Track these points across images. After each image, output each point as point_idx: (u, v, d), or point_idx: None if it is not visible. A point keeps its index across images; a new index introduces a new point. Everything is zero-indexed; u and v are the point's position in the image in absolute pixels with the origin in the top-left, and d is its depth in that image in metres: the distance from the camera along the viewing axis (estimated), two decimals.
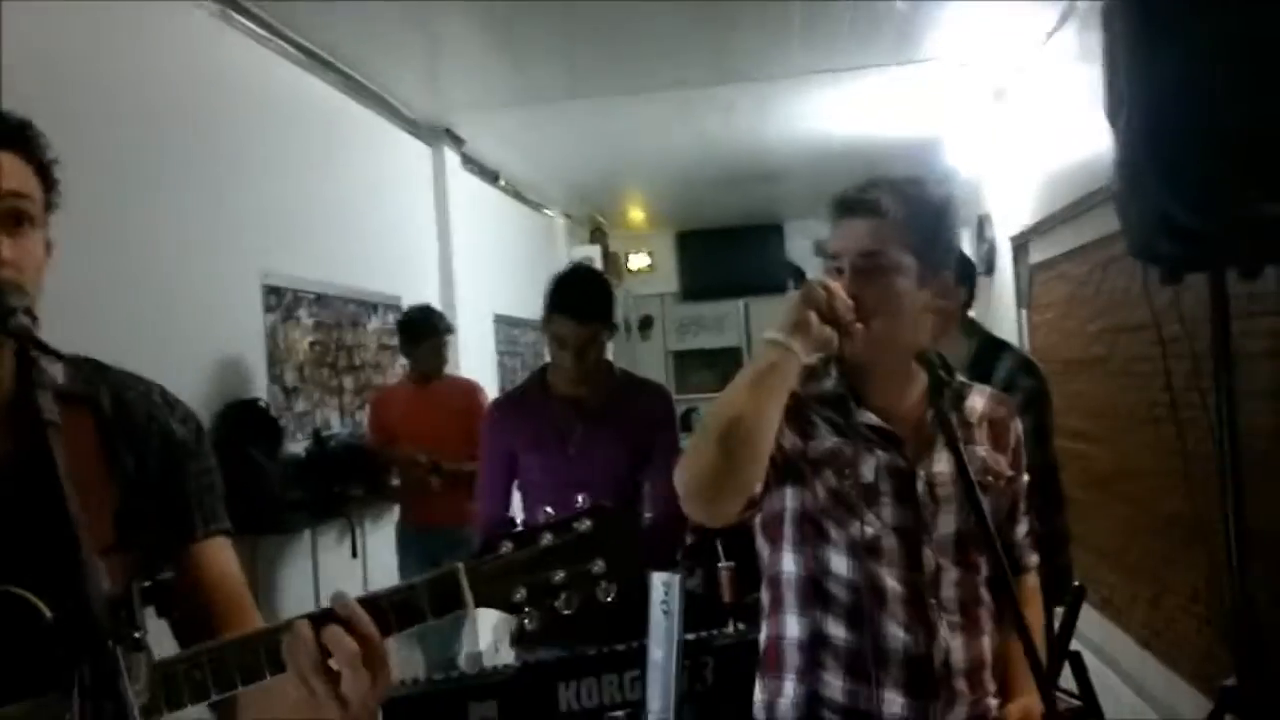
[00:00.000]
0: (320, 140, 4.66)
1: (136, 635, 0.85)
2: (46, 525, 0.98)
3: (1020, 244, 5.93)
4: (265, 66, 4.17)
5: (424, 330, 4.46)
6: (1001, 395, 1.79)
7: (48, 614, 1.00)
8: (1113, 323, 4.51)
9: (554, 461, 2.84)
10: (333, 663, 0.98)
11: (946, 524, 1.60)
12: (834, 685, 1.58)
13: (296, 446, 4.11)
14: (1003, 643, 1.64)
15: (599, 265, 8.81)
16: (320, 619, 1.00)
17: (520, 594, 1.04)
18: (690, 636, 2.40)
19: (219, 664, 0.99)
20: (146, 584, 0.89)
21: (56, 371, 1.13)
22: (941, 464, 1.61)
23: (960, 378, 1.74)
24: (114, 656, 0.83)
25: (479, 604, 1.03)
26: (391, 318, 5.20)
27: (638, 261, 10.71)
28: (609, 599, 1.04)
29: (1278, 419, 2.86)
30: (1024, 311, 5.93)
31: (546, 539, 1.06)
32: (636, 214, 9.88)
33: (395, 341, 5.20)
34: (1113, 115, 2.26)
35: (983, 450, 1.67)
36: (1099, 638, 4.39)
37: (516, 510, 3.07)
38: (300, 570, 4.08)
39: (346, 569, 4.34)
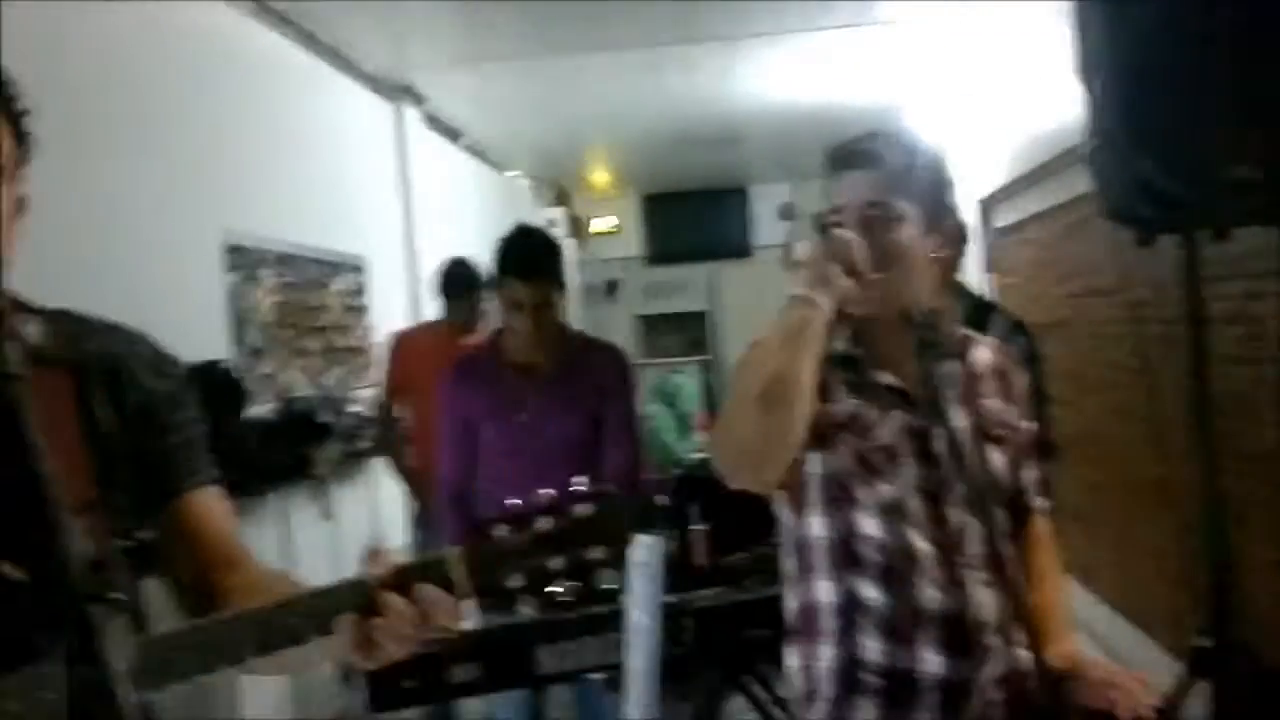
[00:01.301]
0: (279, 97, 4.56)
1: (117, 596, 0.82)
2: (18, 486, 0.94)
3: (985, 208, 5.95)
4: (223, 20, 4.07)
5: (470, 281, 4.30)
6: (1004, 345, 1.78)
7: (18, 575, 0.96)
8: (1080, 287, 4.55)
9: (507, 430, 2.79)
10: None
11: (970, 478, 1.57)
12: (871, 647, 1.57)
13: (263, 409, 4.05)
14: (1029, 593, 1.61)
15: (563, 228, 8.74)
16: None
17: (516, 581, 0.99)
18: (668, 599, 2.41)
19: (265, 625, 0.97)
20: (127, 543, 0.86)
21: (32, 330, 1.08)
22: (958, 420, 1.60)
23: (964, 330, 1.72)
24: (91, 618, 0.80)
25: (474, 592, 0.99)
26: (355, 279, 5.13)
27: (603, 225, 10.64)
28: (612, 587, 0.99)
29: (1244, 383, 2.90)
30: (990, 276, 5.97)
31: (543, 523, 1.00)
32: (601, 177, 9.82)
33: (360, 302, 5.15)
34: (1085, 76, 2.26)
35: (993, 402, 1.66)
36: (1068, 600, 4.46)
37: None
38: (272, 534, 4.04)
39: (318, 531, 4.30)
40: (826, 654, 1.60)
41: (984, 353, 1.70)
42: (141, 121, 3.39)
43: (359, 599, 0.98)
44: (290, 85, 4.69)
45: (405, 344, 4.43)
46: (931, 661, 1.54)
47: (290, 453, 4.06)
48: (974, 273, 6.03)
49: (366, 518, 4.89)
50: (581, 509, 1.01)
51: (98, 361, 1.14)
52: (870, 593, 1.57)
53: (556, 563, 0.99)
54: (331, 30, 4.88)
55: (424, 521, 4.32)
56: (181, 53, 3.71)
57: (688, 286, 10.93)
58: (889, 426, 1.58)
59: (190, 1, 3.79)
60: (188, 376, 1.24)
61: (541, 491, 1.01)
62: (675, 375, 8.87)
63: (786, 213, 10.19)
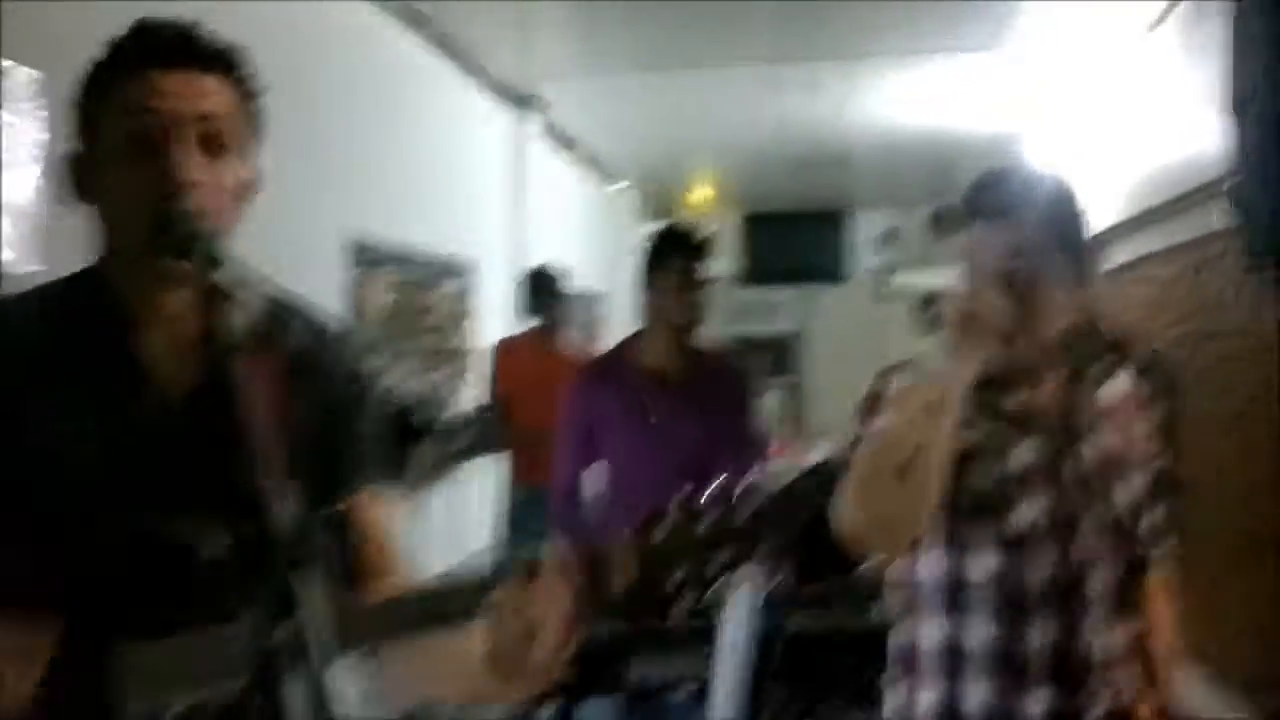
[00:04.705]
0: (407, 98, 4.67)
1: (316, 561, 0.85)
2: (231, 456, 0.97)
3: (1102, 244, 5.80)
4: (359, 21, 4.17)
5: (553, 290, 4.51)
6: (1144, 375, 1.71)
7: (203, 553, 1.01)
8: (1197, 328, 4.40)
9: (637, 432, 2.82)
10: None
11: (1098, 510, 1.54)
12: (974, 690, 1.54)
13: None
14: (1138, 636, 1.59)
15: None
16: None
17: (680, 574, 1.01)
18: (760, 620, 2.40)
19: (421, 606, 1.02)
20: (326, 513, 0.89)
21: (246, 311, 1.12)
22: (1090, 448, 1.56)
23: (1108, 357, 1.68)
24: (291, 583, 0.84)
25: (639, 582, 1.01)
26: (462, 282, 5.22)
27: None
28: (770, 587, 1.02)
29: None
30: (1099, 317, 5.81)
31: (708, 519, 1.02)
32: (702, 193, 9.79)
33: (465, 306, 5.23)
34: (1239, 108, 2.19)
35: (1124, 432, 1.60)
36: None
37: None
38: None
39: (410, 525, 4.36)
40: (926, 698, 1.58)
41: (1120, 383, 1.64)
42: (276, 115, 3.47)
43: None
44: (417, 87, 4.80)
45: (508, 351, 4.56)
46: (1038, 700, 1.51)
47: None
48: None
49: (447, 517, 4.95)
50: (743, 508, 1.02)
51: (299, 357, 1.16)
52: (977, 634, 1.54)
53: (720, 558, 1.01)
54: (461, 35, 4.97)
55: (516, 521, 4.39)
56: (312, 49, 3.80)
57: (778, 309, 10.81)
58: (1018, 453, 1.54)
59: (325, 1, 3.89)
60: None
61: (707, 489, 1.03)
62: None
63: (888, 239, 10.06)
